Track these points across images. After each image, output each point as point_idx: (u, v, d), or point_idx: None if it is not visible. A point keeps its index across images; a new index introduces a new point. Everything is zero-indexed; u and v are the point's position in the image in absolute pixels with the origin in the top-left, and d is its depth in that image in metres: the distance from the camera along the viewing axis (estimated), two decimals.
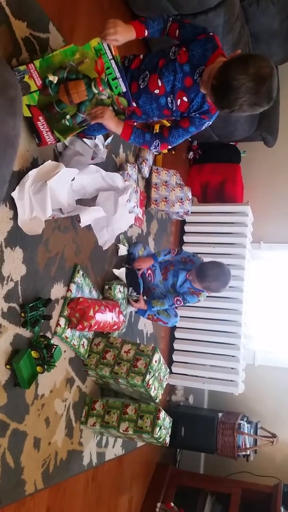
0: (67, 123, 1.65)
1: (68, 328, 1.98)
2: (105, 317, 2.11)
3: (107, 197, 2.07)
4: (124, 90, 1.67)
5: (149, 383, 2.12)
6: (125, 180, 2.34)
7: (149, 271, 2.67)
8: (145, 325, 2.98)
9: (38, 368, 1.72)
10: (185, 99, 1.73)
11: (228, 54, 1.68)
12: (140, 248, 2.65)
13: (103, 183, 2.07)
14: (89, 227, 2.11)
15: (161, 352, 2.33)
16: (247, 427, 3.33)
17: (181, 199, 3.17)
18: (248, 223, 3.54)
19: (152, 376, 2.15)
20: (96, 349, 2.22)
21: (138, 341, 2.81)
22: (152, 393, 2.18)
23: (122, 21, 1.61)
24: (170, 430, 2.31)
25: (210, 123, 1.80)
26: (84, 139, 2.02)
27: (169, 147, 1.87)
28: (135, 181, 2.64)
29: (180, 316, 2.77)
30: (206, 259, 2.74)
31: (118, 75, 1.63)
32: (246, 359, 3.55)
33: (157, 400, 2.27)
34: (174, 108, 1.78)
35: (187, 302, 2.60)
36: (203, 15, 2.42)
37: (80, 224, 1.92)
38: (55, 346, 1.79)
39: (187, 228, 3.64)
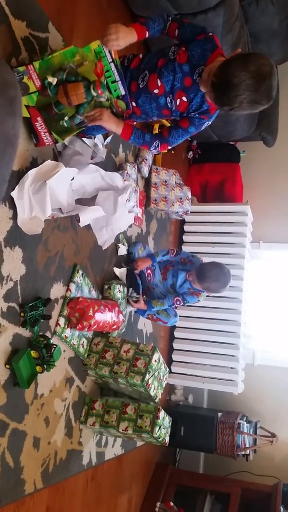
0: (65, 124, 1.65)
1: (67, 327, 1.98)
2: (104, 316, 2.11)
3: (106, 197, 2.07)
4: (123, 93, 1.68)
5: (149, 383, 2.12)
6: (125, 180, 2.34)
7: (149, 271, 2.67)
8: (145, 325, 2.98)
9: (38, 368, 1.72)
10: (184, 99, 1.73)
11: (227, 54, 1.68)
12: (139, 248, 2.65)
13: (103, 182, 2.07)
14: (88, 226, 2.11)
15: (161, 352, 2.33)
16: (247, 427, 3.33)
17: (181, 198, 3.17)
18: (248, 223, 3.54)
19: (152, 376, 2.15)
20: (95, 348, 2.22)
21: (137, 341, 2.81)
22: (152, 393, 2.18)
23: (123, 25, 1.61)
24: (169, 429, 2.31)
25: (210, 123, 1.80)
26: (84, 139, 2.02)
27: (169, 147, 1.87)
28: (134, 181, 2.64)
29: (179, 316, 2.77)
30: (205, 258, 2.75)
31: (117, 78, 1.63)
32: (245, 359, 3.55)
33: (157, 400, 2.27)
34: (173, 108, 1.78)
35: (187, 303, 2.60)
36: (202, 14, 2.42)
37: (79, 224, 1.92)
38: (54, 346, 1.79)
39: (186, 227, 3.64)
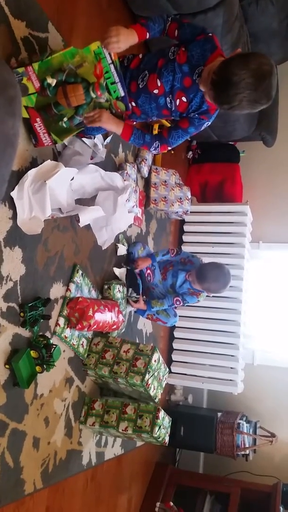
0: (64, 125, 1.65)
1: (67, 327, 1.98)
2: (104, 316, 2.11)
3: (106, 197, 2.07)
4: (122, 94, 1.68)
5: (148, 383, 2.12)
6: (124, 180, 2.34)
7: (148, 271, 2.67)
8: (145, 325, 2.98)
9: (37, 368, 1.72)
10: (184, 99, 1.73)
11: (227, 54, 1.68)
12: (139, 248, 2.65)
13: (102, 182, 2.07)
14: (88, 226, 2.11)
15: (161, 352, 2.33)
16: (246, 427, 3.33)
17: (180, 198, 3.17)
18: (247, 223, 3.54)
19: (151, 376, 2.15)
20: (95, 348, 2.22)
21: (137, 341, 2.81)
22: (151, 393, 2.18)
23: (123, 27, 1.61)
24: (169, 429, 2.31)
25: (210, 123, 1.81)
26: (83, 139, 2.02)
27: (169, 148, 1.87)
28: (134, 181, 2.64)
29: (179, 316, 2.77)
30: (205, 258, 2.75)
31: (116, 79, 1.63)
32: (245, 359, 3.55)
33: (156, 400, 2.27)
34: (173, 108, 1.78)
35: (187, 303, 2.60)
36: (202, 14, 2.42)
37: (79, 224, 1.92)
38: (54, 346, 1.79)
39: (186, 227, 3.64)
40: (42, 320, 1.78)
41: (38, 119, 1.62)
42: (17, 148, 1.20)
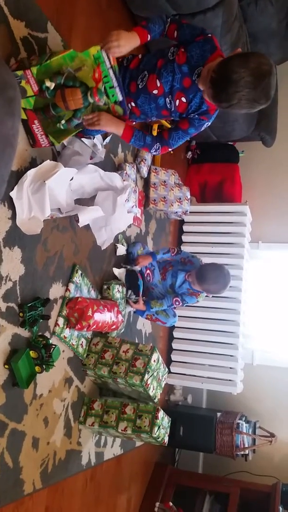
0: (61, 127, 1.65)
1: (66, 328, 1.98)
2: (103, 316, 2.11)
3: (105, 197, 2.08)
4: (121, 99, 1.68)
5: (148, 383, 2.12)
6: (124, 180, 2.35)
7: (148, 271, 2.67)
8: (144, 325, 2.98)
9: (37, 368, 1.72)
10: (183, 99, 1.73)
11: (226, 54, 1.68)
12: (139, 248, 2.65)
13: (102, 182, 2.07)
14: (87, 226, 2.11)
15: (160, 352, 2.33)
16: (246, 427, 3.33)
17: (180, 198, 3.17)
18: (247, 223, 3.55)
19: (151, 376, 2.15)
20: (94, 348, 2.22)
21: (136, 341, 2.81)
22: (151, 393, 2.18)
23: (124, 31, 1.60)
24: (168, 429, 2.31)
25: (209, 123, 1.81)
26: (83, 139, 2.02)
27: (170, 149, 1.87)
28: (133, 181, 2.64)
29: (178, 316, 2.77)
30: (204, 259, 2.75)
31: (115, 84, 1.64)
32: (244, 359, 3.56)
33: (156, 400, 2.27)
34: (172, 109, 1.78)
35: (186, 303, 2.60)
36: (201, 15, 2.42)
37: (78, 224, 1.92)
38: (53, 346, 1.79)
39: (185, 227, 3.64)
40: (41, 320, 1.78)
41: (36, 121, 1.63)
42: (17, 148, 1.20)
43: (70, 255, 2.03)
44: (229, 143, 3.85)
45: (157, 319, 2.69)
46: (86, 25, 2.14)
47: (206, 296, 2.63)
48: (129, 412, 2.17)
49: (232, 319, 3.43)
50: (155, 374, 2.20)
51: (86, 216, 1.93)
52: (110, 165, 2.42)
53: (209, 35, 1.69)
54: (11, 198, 1.59)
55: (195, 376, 3.45)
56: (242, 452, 3.28)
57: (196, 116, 1.76)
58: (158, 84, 1.74)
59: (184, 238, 3.63)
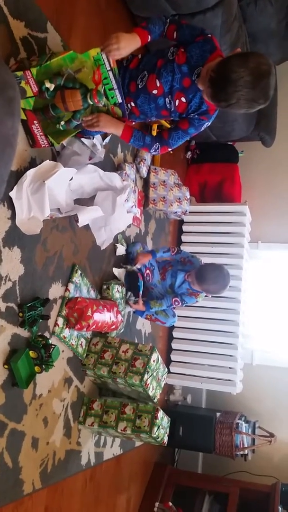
0: (61, 128, 1.66)
1: (66, 328, 1.98)
2: (103, 317, 2.11)
3: (105, 197, 2.08)
4: (120, 101, 1.69)
5: (147, 383, 2.12)
6: (123, 180, 2.34)
7: (148, 271, 2.67)
8: (143, 325, 2.98)
9: (36, 368, 1.72)
10: (183, 99, 1.73)
11: (226, 54, 1.68)
12: (138, 248, 2.65)
13: (101, 182, 2.08)
14: (87, 226, 2.11)
15: (159, 352, 2.33)
16: (245, 427, 3.33)
17: (179, 198, 3.17)
18: (246, 223, 3.55)
19: (150, 376, 2.15)
20: (94, 348, 2.22)
21: (136, 341, 2.81)
22: (150, 393, 2.18)
23: (124, 33, 1.60)
24: (168, 429, 2.31)
25: (209, 123, 1.81)
26: (82, 139, 2.02)
27: (169, 149, 1.87)
28: (133, 181, 2.64)
29: (178, 316, 2.77)
30: (204, 259, 2.75)
31: (115, 86, 1.64)
32: (244, 359, 3.56)
33: (155, 400, 2.27)
34: (172, 109, 1.78)
35: (185, 303, 2.60)
36: (201, 15, 2.42)
37: (78, 224, 1.92)
38: (53, 346, 1.79)
39: (185, 227, 3.64)
40: (41, 320, 1.78)
41: (35, 122, 1.63)
42: (16, 148, 1.20)
43: (70, 255, 2.03)
44: (229, 143, 3.85)
45: (156, 319, 2.69)
46: (86, 25, 2.14)
47: (205, 296, 2.63)
48: (128, 412, 2.17)
49: (232, 319, 3.43)
50: (154, 374, 2.20)
51: (85, 216, 1.93)
52: (109, 165, 2.42)
53: (209, 35, 1.69)
54: (10, 198, 1.59)
55: (194, 376, 3.45)
56: (241, 452, 3.28)
57: (196, 116, 1.76)
58: (158, 84, 1.74)
59: (184, 238, 3.63)
